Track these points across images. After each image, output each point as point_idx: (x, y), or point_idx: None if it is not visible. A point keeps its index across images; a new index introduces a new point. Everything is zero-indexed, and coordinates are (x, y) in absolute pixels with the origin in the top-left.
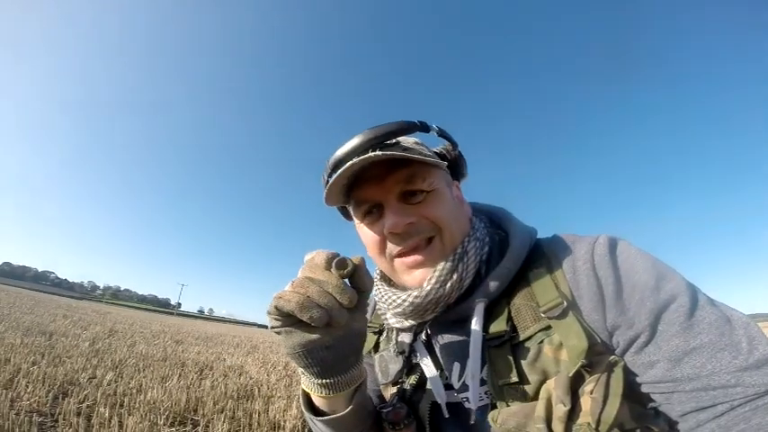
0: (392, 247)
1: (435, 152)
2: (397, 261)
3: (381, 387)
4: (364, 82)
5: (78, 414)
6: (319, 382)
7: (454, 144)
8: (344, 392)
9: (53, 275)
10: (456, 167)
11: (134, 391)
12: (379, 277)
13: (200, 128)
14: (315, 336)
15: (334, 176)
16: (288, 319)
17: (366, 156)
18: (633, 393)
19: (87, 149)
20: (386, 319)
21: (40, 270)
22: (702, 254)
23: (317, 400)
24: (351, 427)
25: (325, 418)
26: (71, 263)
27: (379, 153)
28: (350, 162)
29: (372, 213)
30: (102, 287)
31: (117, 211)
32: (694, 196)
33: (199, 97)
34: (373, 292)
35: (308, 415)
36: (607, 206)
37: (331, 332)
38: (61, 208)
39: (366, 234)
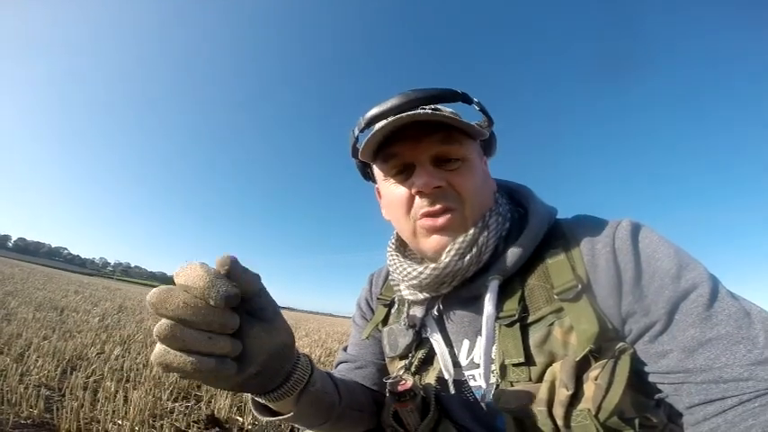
0: (418, 207)
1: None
2: (420, 222)
3: (387, 360)
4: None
5: (85, 388)
6: (254, 398)
7: (491, 121)
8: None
9: (66, 251)
10: (488, 143)
11: (140, 365)
12: (393, 248)
13: (213, 106)
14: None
15: (375, 129)
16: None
17: (416, 112)
18: (639, 383)
19: (103, 128)
20: (399, 290)
21: (53, 246)
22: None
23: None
24: (310, 420)
25: (272, 418)
26: (84, 239)
27: (428, 111)
28: (394, 117)
29: (402, 173)
30: (113, 264)
31: (131, 189)
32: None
33: (211, 78)
34: (386, 263)
35: (256, 413)
36: (613, 203)
37: (246, 369)
38: (76, 185)
39: (392, 192)
